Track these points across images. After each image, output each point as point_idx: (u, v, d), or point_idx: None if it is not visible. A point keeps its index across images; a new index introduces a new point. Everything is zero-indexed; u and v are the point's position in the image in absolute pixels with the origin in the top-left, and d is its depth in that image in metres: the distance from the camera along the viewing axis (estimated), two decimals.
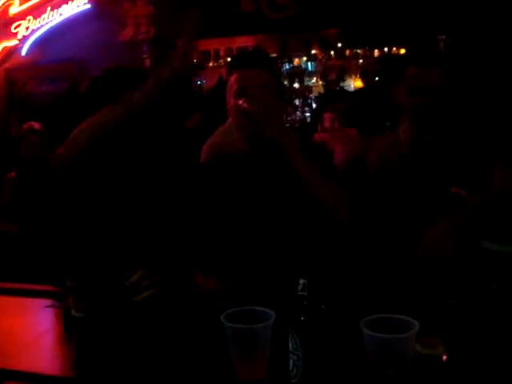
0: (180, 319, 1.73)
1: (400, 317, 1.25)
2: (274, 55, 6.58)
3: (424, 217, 2.03)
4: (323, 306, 1.27)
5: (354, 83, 6.80)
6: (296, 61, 6.97)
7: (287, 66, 6.89)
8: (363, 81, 6.59)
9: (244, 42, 6.49)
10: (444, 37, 5.61)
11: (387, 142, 2.42)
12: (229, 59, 5.58)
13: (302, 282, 1.26)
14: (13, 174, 4.32)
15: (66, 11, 6.88)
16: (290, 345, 1.31)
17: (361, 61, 6.76)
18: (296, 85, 6.93)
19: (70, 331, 1.96)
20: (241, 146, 2.07)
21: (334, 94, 6.12)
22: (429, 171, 2.28)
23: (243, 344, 1.33)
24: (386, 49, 6.47)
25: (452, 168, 2.22)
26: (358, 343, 1.24)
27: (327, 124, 4.05)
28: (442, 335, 1.35)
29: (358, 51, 6.70)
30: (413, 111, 2.30)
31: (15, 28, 7.03)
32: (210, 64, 6.95)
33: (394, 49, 6.35)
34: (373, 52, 6.58)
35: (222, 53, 6.91)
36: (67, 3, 6.87)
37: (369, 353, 1.22)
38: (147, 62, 6.59)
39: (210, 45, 6.91)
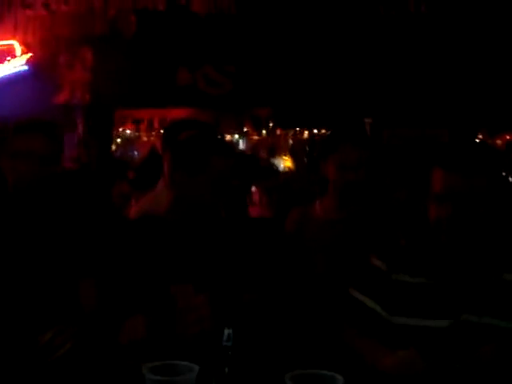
0: (99, 373, 1.67)
1: (325, 372, 1.25)
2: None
3: (341, 283, 2.08)
4: (248, 358, 1.26)
5: (284, 162, 6.96)
6: (228, 137, 7.10)
7: None
8: (292, 159, 6.77)
9: (178, 113, 6.57)
10: (370, 119, 5.90)
11: (303, 211, 2.52)
12: (161, 131, 5.64)
13: (226, 332, 1.26)
14: None
15: (2, 70, 6.83)
16: None
17: (291, 141, 6.96)
18: None
19: None
20: (168, 215, 2.11)
21: (263, 171, 6.24)
22: (349, 240, 2.37)
23: None
24: (315, 130, 6.71)
25: (370, 240, 2.31)
26: None
27: (255, 198, 4.13)
28: None
29: (288, 131, 6.91)
30: (337, 185, 2.43)
31: None
32: (143, 134, 7.00)
33: (323, 131, 6.60)
34: (302, 132, 6.80)
35: (155, 124, 6.97)
36: (3, 63, 6.83)
37: None
38: (80, 126, 6.57)
39: (144, 114, 6.97)
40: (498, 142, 6.12)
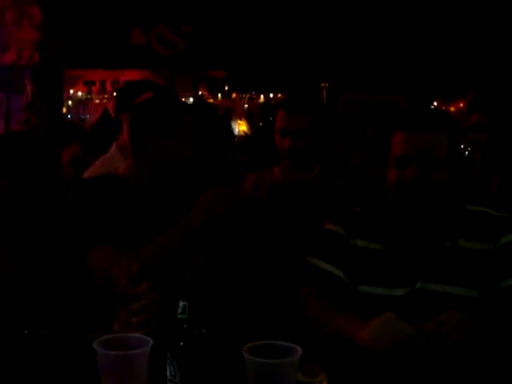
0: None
1: (282, 343, 1.22)
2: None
3: (296, 250, 2.07)
4: (204, 330, 1.22)
5: (239, 126, 6.90)
6: (183, 100, 6.97)
7: None
8: (248, 124, 6.71)
9: (131, 75, 6.42)
10: (327, 84, 5.87)
11: (260, 176, 2.51)
12: (115, 93, 5.51)
13: (181, 304, 1.21)
14: None
15: None
16: (168, 372, 1.25)
17: (246, 105, 6.90)
18: None
19: None
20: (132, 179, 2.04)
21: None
22: (300, 209, 2.36)
23: (117, 372, 1.25)
24: (271, 94, 6.66)
25: (325, 207, 2.30)
26: (239, 369, 1.20)
27: None
28: (321, 363, 1.33)
29: (244, 95, 6.84)
30: (279, 152, 2.45)
31: None
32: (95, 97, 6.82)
33: (280, 95, 6.55)
34: (259, 96, 6.74)
35: (108, 86, 6.80)
36: None
37: (250, 379, 1.18)
38: (28, 88, 6.34)
39: (96, 75, 6.79)
40: (452, 108, 6.20)
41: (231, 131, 4.84)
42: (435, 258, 1.75)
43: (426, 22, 5.76)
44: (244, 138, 6.19)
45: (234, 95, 6.84)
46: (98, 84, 6.81)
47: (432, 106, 5.94)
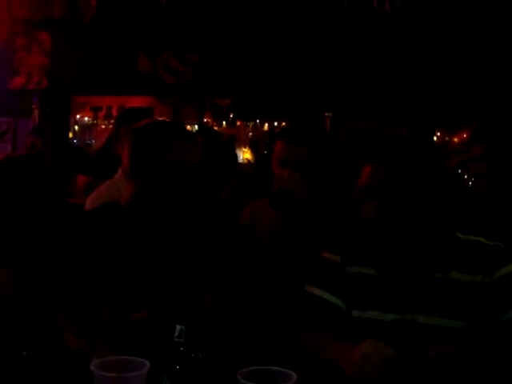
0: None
1: (277, 368, 1.23)
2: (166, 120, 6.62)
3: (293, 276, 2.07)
4: (200, 355, 1.23)
5: (243, 154, 6.93)
6: (188, 127, 7.02)
7: None
8: (252, 152, 6.74)
9: (138, 102, 6.48)
10: (331, 114, 5.91)
11: (257, 204, 2.53)
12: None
13: (178, 327, 1.22)
14: None
15: None
16: None
17: (250, 133, 6.93)
18: None
19: None
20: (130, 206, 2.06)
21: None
22: (297, 234, 2.38)
23: None
24: (275, 123, 6.69)
25: (319, 235, 2.32)
26: None
27: None
28: None
29: (249, 123, 6.88)
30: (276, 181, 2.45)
31: None
32: (101, 122, 6.88)
33: (284, 123, 6.58)
34: (263, 125, 6.77)
35: (114, 111, 6.86)
36: None
37: None
38: (35, 112, 6.42)
39: (102, 102, 6.85)
40: (455, 139, 6.20)
41: (235, 158, 4.88)
42: (425, 289, 1.75)
43: (430, 53, 5.81)
44: (247, 165, 6.21)
45: (238, 123, 6.88)
46: (104, 109, 6.87)
47: (434, 137, 5.97)
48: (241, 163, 6.40)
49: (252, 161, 6.56)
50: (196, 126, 6.99)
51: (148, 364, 1.28)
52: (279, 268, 2.38)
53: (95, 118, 6.87)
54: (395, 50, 5.85)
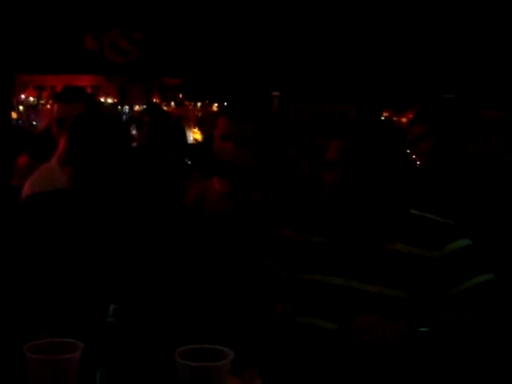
0: None
1: (214, 346, 1.22)
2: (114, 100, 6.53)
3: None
4: (134, 335, 1.21)
5: (194, 135, 6.88)
6: (136, 107, 6.93)
7: (127, 111, 6.84)
8: (201, 132, 6.70)
9: (84, 81, 6.35)
10: (279, 93, 5.91)
11: (202, 185, 2.50)
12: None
13: (111, 307, 1.19)
14: None
15: None
16: (98, 376, 1.23)
17: (199, 114, 6.88)
18: (134, 131, 6.86)
19: None
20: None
21: None
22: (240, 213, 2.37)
23: (46, 376, 1.22)
24: (225, 103, 6.64)
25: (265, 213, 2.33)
26: (171, 374, 1.18)
27: None
28: (259, 368, 1.33)
29: (197, 103, 6.83)
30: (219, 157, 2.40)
31: None
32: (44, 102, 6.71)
33: None
34: (212, 105, 6.73)
35: (58, 90, 6.69)
36: None
37: (182, 383, 1.17)
38: None
39: (47, 81, 6.68)
40: (403, 119, 6.28)
41: (183, 138, 4.83)
42: (373, 258, 1.78)
43: (376, 35, 5.86)
44: (196, 145, 6.17)
45: (187, 103, 6.82)
46: (49, 89, 6.70)
47: (382, 117, 6.04)
48: (190, 144, 6.35)
49: (201, 141, 6.52)
50: (144, 106, 6.89)
51: (82, 346, 1.25)
52: (227, 243, 2.36)
53: (40, 97, 6.69)
54: (343, 32, 5.87)
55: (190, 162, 4.58)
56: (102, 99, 6.68)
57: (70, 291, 1.77)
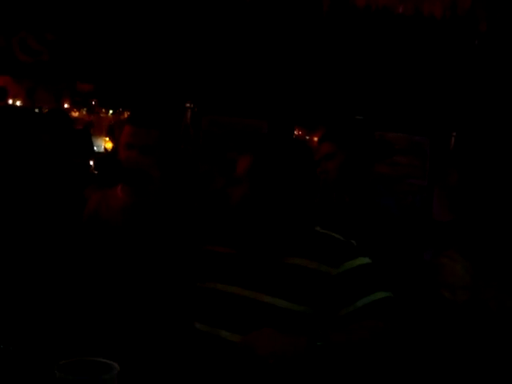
0: None
1: (97, 359, 1.16)
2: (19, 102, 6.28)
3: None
4: (12, 348, 1.13)
5: (105, 144, 6.69)
6: (45, 110, 6.67)
7: None
8: (111, 140, 6.53)
9: None
10: (192, 105, 5.87)
11: (104, 196, 2.44)
12: None
13: None
14: None
15: None
16: None
17: (112, 122, 6.70)
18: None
19: None
20: None
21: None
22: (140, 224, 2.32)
23: None
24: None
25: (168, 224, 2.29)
26: None
27: None
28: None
29: (110, 111, 6.66)
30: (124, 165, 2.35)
31: None
32: None
33: None
34: (123, 113, 6.57)
35: None
36: None
37: None
38: None
39: None
40: (315, 138, 6.38)
41: (90, 146, 4.70)
42: (272, 271, 1.80)
43: (292, 51, 5.93)
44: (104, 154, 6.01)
45: (99, 110, 6.64)
46: None
47: (294, 135, 6.11)
48: (100, 152, 6.19)
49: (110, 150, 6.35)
50: None
51: None
52: (128, 252, 2.29)
53: None
54: (257, 47, 5.91)
55: (95, 172, 4.45)
56: (10, 101, 6.41)
57: None
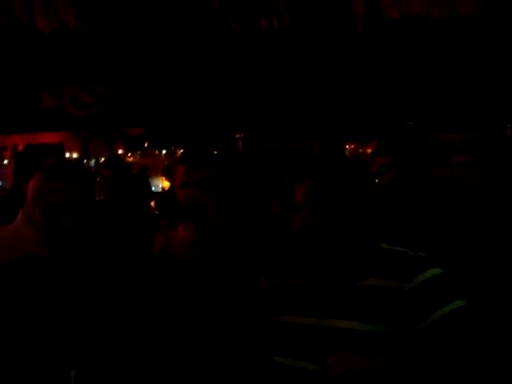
0: None
1: None
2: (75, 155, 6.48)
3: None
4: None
5: (163, 183, 6.81)
6: (102, 160, 6.86)
7: (93, 164, 6.79)
8: (167, 179, 6.64)
9: (45, 138, 6.29)
10: (241, 135, 5.92)
11: (168, 234, 2.47)
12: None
13: (72, 373, 1.14)
14: None
15: None
16: None
17: (166, 161, 6.83)
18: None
19: None
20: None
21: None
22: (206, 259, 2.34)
23: None
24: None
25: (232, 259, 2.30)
26: None
27: None
28: None
29: (163, 151, 6.80)
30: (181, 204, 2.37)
31: None
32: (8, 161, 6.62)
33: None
34: (177, 151, 6.69)
35: (20, 149, 6.63)
36: None
37: None
38: None
39: (8, 140, 6.60)
40: (369, 150, 6.31)
41: (148, 188, 4.79)
42: (346, 296, 1.77)
43: (331, 68, 5.93)
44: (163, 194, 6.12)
45: (152, 151, 6.79)
46: (10, 149, 6.63)
47: (348, 150, 6.08)
48: (158, 192, 6.30)
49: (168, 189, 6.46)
50: None
51: None
52: (197, 289, 2.31)
53: (1, 158, 6.61)
54: (300, 66, 5.92)
55: (157, 212, 4.53)
56: (67, 155, 6.63)
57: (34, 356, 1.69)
